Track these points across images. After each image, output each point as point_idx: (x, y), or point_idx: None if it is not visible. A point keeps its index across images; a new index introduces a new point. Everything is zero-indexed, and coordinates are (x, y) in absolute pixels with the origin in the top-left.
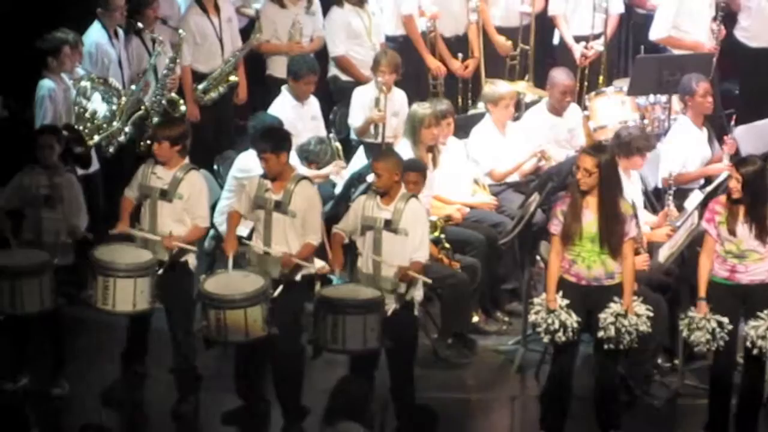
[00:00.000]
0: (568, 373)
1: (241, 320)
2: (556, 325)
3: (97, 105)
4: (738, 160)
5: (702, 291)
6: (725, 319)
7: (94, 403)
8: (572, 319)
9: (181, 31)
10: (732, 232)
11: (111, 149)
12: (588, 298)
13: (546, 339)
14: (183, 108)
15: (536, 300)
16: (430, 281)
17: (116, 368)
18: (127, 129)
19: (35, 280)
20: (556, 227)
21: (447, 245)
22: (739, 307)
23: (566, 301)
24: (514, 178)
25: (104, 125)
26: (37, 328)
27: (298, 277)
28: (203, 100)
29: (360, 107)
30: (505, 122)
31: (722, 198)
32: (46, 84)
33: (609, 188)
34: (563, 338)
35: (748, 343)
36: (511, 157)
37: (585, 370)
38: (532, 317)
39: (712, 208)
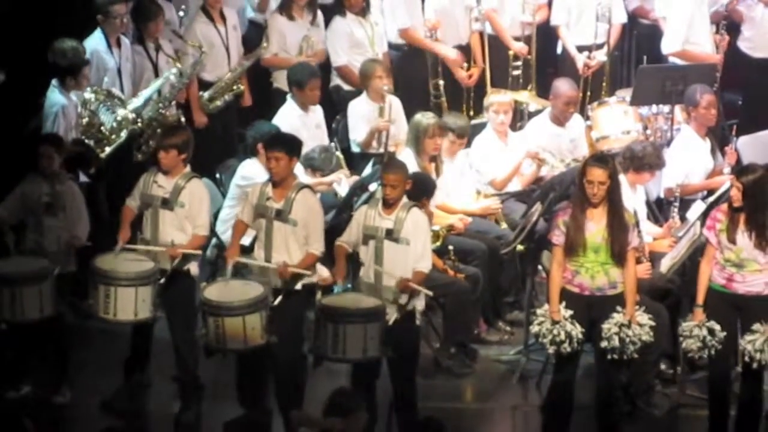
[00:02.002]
0: (570, 383)
1: (240, 328)
2: (562, 336)
3: (103, 116)
4: (739, 169)
5: (700, 298)
6: (717, 327)
7: (96, 411)
8: (577, 330)
9: (204, 49)
10: (732, 240)
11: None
12: (591, 309)
13: (551, 350)
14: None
15: (539, 311)
16: (430, 294)
17: (118, 377)
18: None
19: (35, 287)
20: (558, 238)
21: (453, 257)
22: (736, 316)
23: (570, 312)
24: (516, 187)
25: (112, 136)
26: (39, 336)
27: (298, 286)
28: (208, 109)
29: (360, 120)
30: (505, 131)
31: (724, 206)
32: (59, 100)
33: (616, 197)
34: (568, 349)
35: (747, 358)
36: (511, 166)
37: (586, 379)
38: (535, 328)
39: (714, 216)
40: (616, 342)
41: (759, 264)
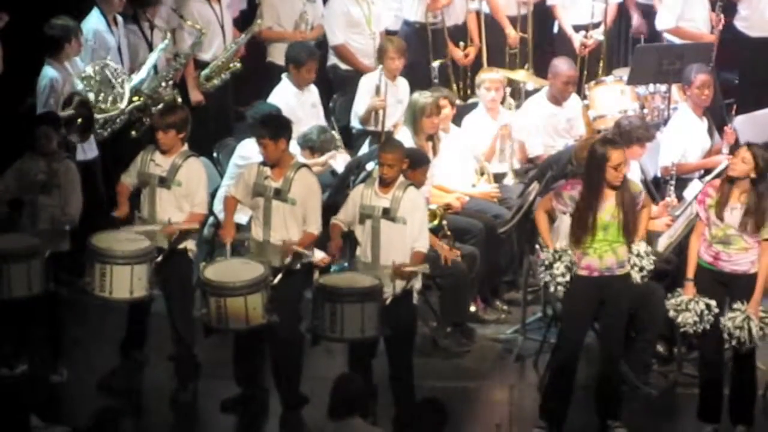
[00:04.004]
0: (572, 361)
1: (242, 308)
2: (549, 260)
3: (99, 90)
4: (750, 142)
5: (690, 272)
6: (713, 302)
7: (92, 390)
8: (563, 266)
9: (203, 30)
10: (720, 217)
11: (105, 134)
12: (601, 290)
13: (548, 279)
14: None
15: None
16: (427, 270)
17: (115, 355)
18: (123, 116)
19: (23, 265)
20: (558, 206)
21: (448, 232)
22: (723, 293)
23: (565, 243)
24: (504, 167)
25: (108, 108)
26: (35, 315)
27: (297, 265)
28: (205, 87)
29: (366, 95)
30: (496, 108)
31: (716, 181)
32: (50, 73)
33: (625, 174)
34: (562, 278)
35: (726, 335)
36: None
37: (582, 359)
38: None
39: (705, 191)
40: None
41: (745, 242)
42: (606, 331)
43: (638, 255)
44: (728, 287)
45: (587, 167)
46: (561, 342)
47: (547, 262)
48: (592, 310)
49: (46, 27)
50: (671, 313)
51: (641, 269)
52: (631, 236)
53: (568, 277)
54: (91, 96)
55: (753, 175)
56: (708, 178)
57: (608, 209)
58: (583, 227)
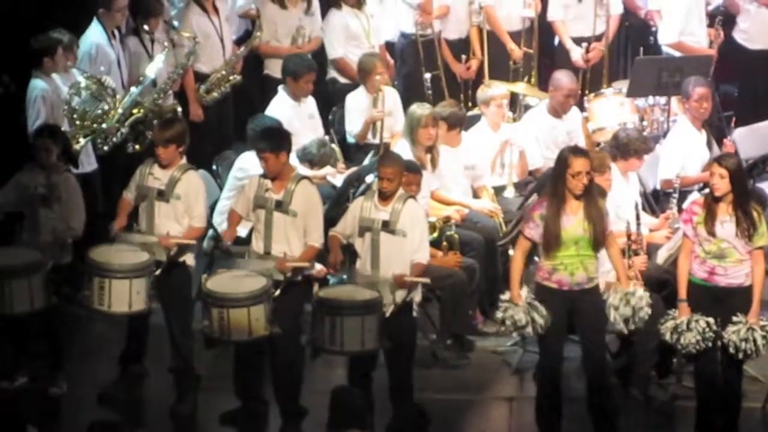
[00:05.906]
0: (556, 374)
1: (244, 319)
2: (523, 321)
3: (88, 104)
4: (718, 157)
5: (682, 293)
6: (710, 319)
7: (92, 402)
8: (539, 314)
9: (197, 39)
10: (711, 233)
11: (105, 148)
12: (571, 302)
13: (515, 335)
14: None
15: (503, 297)
16: (428, 281)
17: (114, 368)
18: (123, 130)
19: (24, 280)
20: (530, 231)
21: (456, 236)
22: (717, 308)
23: (531, 296)
24: (504, 180)
25: (94, 125)
26: (35, 328)
27: (298, 277)
28: (205, 100)
29: (356, 112)
30: (500, 123)
31: (700, 199)
32: (39, 85)
33: (591, 186)
34: (530, 332)
35: (731, 349)
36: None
37: (581, 370)
38: (499, 315)
39: (690, 209)
40: (628, 314)
41: (739, 254)
42: (587, 348)
43: (622, 299)
44: (723, 303)
45: (552, 173)
46: (541, 354)
47: (520, 325)
48: (565, 320)
49: (32, 40)
50: (668, 337)
51: (627, 320)
52: (598, 249)
53: (524, 322)
54: (77, 104)
55: (732, 186)
56: (708, 190)
57: (579, 222)
58: (550, 235)
